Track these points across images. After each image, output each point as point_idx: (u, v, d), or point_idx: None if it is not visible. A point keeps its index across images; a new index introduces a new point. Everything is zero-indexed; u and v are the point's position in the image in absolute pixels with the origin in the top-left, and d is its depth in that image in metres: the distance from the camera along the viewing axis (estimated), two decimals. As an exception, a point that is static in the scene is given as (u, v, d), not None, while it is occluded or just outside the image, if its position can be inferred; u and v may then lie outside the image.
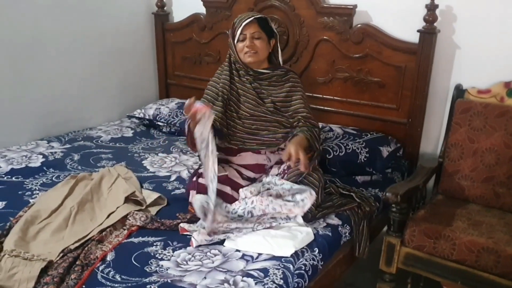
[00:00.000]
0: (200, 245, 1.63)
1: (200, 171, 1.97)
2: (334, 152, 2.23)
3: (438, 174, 2.28)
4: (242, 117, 1.98)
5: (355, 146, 2.26)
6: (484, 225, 1.91)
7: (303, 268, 1.56)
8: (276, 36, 2.01)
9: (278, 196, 1.80)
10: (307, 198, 1.75)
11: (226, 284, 1.42)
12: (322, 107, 2.62)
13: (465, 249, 1.79)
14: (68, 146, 2.58)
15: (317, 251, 1.66)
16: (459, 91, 2.26)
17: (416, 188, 2.00)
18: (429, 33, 2.24)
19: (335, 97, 2.60)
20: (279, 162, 1.99)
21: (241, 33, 1.91)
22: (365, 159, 2.23)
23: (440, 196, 2.23)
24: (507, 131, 2.08)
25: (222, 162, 2.01)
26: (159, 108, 2.95)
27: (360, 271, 2.31)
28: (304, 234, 1.70)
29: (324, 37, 2.53)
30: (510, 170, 2.07)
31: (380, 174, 2.29)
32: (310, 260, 1.61)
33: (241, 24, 1.91)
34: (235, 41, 1.94)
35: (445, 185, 2.22)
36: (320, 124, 2.47)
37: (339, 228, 1.83)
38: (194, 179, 1.94)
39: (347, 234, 1.86)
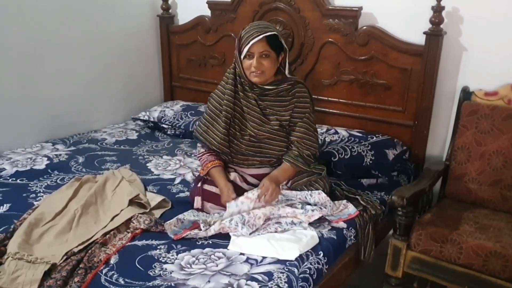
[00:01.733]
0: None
1: (206, 177, 1.96)
2: (340, 155, 2.21)
3: (444, 177, 2.25)
4: (245, 135, 1.92)
5: (360, 149, 2.24)
6: (492, 229, 1.89)
7: (308, 272, 1.55)
8: (286, 51, 1.89)
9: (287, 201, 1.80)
10: (317, 211, 1.78)
11: (230, 288, 1.41)
12: (327, 110, 2.61)
13: (472, 253, 1.76)
14: (72, 148, 2.58)
15: (322, 254, 1.64)
16: (466, 94, 2.24)
17: (422, 191, 1.98)
18: (435, 35, 2.22)
19: (340, 100, 2.59)
20: None
21: (248, 51, 1.79)
22: (370, 162, 2.21)
23: (446, 200, 2.20)
24: (514, 134, 2.06)
25: (227, 166, 2.00)
26: (164, 111, 2.95)
27: (365, 275, 2.28)
28: (309, 238, 1.69)
29: (329, 39, 2.52)
30: (517, 174, 2.05)
31: (385, 177, 2.27)
32: (315, 264, 1.59)
33: (248, 42, 1.77)
34: (241, 57, 1.84)
35: (451, 188, 2.20)
36: (325, 127, 2.48)
37: (344, 232, 1.82)
38: (199, 184, 1.93)
39: (352, 237, 1.84)
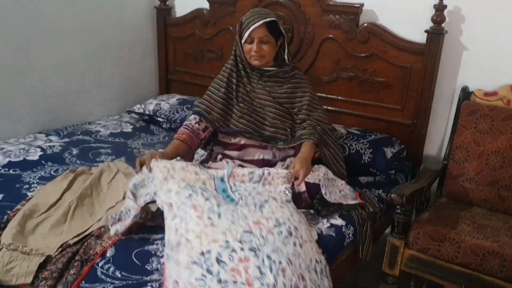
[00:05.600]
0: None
1: (205, 164, 1.95)
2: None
3: (441, 176, 2.25)
4: (246, 114, 1.96)
5: (359, 147, 2.23)
6: (489, 229, 1.89)
7: (307, 269, 1.53)
8: (285, 37, 1.98)
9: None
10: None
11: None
12: (326, 107, 2.56)
13: (470, 253, 1.76)
14: (66, 140, 2.53)
15: (320, 251, 1.62)
16: (466, 93, 2.24)
17: (421, 190, 1.98)
18: (436, 33, 2.21)
19: (339, 97, 2.57)
20: (284, 159, 1.96)
21: (248, 36, 1.87)
22: (369, 159, 2.20)
23: (443, 199, 2.21)
24: (513, 135, 2.06)
25: (226, 157, 1.98)
26: (159, 104, 2.91)
27: (362, 273, 2.28)
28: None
29: (330, 36, 2.50)
30: (515, 174, 2.05)
31: (383, 175, 2.26)
32: (314, 261, 1.57)
33: (249, 27, 1.86)
34: (242, 41, 1.91)
35: (449, 187, 2.20)
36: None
37: (343, 229, 1.80)
38: None
39: (350, 235, 1.83)
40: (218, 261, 1.28)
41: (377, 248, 2.06)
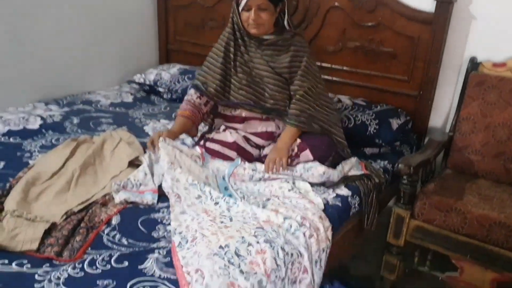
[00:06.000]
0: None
1: (208, 135, 1.93)
2: (343, 124, 2.17)
3: (447, 148, 2.23)
4: (245, 85, 1.91)
5: (364, 118, 2.20)
6: (495, 200, 1.88)
7: (314, 237, 1.52)
8: (284, 3, 1.88)
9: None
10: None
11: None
12: (330, 78, 2.55)
13: (477, 223, 1.76)
14: (67, 109, 2.48)
15: (327, 220, 1.61)
16: (474, 64, 2.20)
17: (427, 161, 1.96)
18: (445, 2, 2.15)
19: (344, 67, 2.53)
20: None
21: (246, 3, 1.79)
22: (374, 131, 2.17)
23: (448, 171, 2.19)
24: (521, 106, 2.03)
25: (230, 128, 1.95)
26: (160, 74, 2.86)
27: (366, 244, 2.28)
28: (315, 202, 1.66)
29: (336, 4, 2.44)
30: (522, 146, 2.03)
31: (388, 147, 2.24)
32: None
33: None
34: (240, 9, 1.84)
35: (454, 159, 2.18)
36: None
37: (349, 199, 1.79)
38: (201, 143, 1.89)
39: (356, 205, 1.82)
40: (238, 255, 1.31)
41: (381, 219, 2.05)
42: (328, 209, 1.67)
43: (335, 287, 1.94)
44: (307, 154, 1.84)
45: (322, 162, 1.82)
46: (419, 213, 1.86)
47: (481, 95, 2.12)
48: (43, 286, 1.19)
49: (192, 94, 1.96)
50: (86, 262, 1.29)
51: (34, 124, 2.23)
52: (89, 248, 1.36)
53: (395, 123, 2.23)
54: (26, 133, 2.12)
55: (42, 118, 2.31)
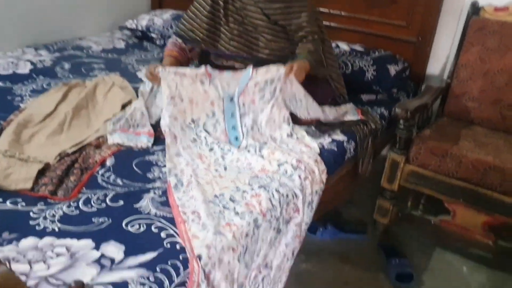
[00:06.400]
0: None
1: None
2: (341, 70, 2.13)
3: (444, 95, 2.21)
4: (236, 36, 1.82)
5: (362, 64, 2.17)
6: (490, 146, 1.88)
7: (310, 179, 1.52)
8: None
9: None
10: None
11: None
12: (328, 23, 2.45)
13: (471, 168, 1.76)
14: (57, 54, 2.42)
15: (323, 163, 1.61)
16: (475, 9, 2.15)
17: (424, 106, 1.95)
18: None
19: (342, 12, 2.46)
20: None
21: None
22: (372, 77, 2.14)
23: (445, 118, 2.18)
24: (521, 51, 2.00)
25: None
26: (153, 19, 2.78)
27: (360, 190, 2.30)
28: (312, 146, 1.65)
29: None
30: (519, 92, 2.01)
31: (385, 94, 2.22)
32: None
33: None
34: None
35: (451, 106, 2.17)
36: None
37: (345, 144, 1.78)
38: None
39: (351, 150, 1.81)
40: (233, 200, 1.31)
41: (376, 166, 2.06)
42: (323, 153, 1.67)
43: (329, 231, 1.99)
44: None
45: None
46: (414, 157, 1.86)
47: (481, 41, 2.08)
48: (38, 223, 1.19)
49: (177, 38, 1.91)
50: (81, 201, 1.29)
51: (24, 69, 2.18)
52: (84, 188, 1.34)
53: (393, 70, 2.19)
54: (16, 78, 2.07)
55: (32, 63, 2.26)
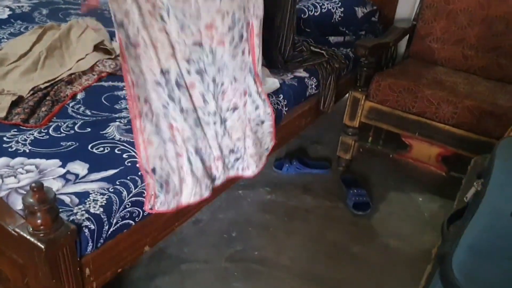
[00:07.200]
0: None
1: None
2: (309, 12, 2.19)
3: (410, 37, 2.29)
4: None
5: (330, 6, 2.23)
6: (448, 83, 1.98)
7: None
8: None
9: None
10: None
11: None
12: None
13: (426, 102, 1.87)
14: (35, 1, 2.48)
15: (281, 97, 1.72)
16: (442, -51, 2.19)
17: (385, 44, 2.03)
18: None
19: (314, -44, 2.49)
20: None
21: None
22: (339, 18, 2.21)
23: (410, 59, 2.26)
24: (483, -8, 2.06)
25: None
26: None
27: (326, 130, 2.42)
28: (270, 83, 1.73)
29: None
30: (480, 32, 2.09)
31: (353, 36, 2.29)
32: (275, 105, 1.67)
33: None
34: None
35: (415, 47, 2.25)
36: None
37: (306, 80, 1.88)
38: None
39: (313, 86, 1.91)
40: (178, 85, 1.27)
41: (341, 108, 2.16)
42: (283, 88, 1.76)
43: (294, 166, 2.11)
44: None
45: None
46: (374, 94, 1.96)
47: (446, -19, 2.14)
48: (11, 146, 1.30)
49: None
50: (51, 128, 1.40)
51: (3, 14, 2.24)
52: (54, 118, 1.46)
53: (360, 12, 2.26)
54: (-6, 22, 2.15)
55: (10, 9, 2.31)
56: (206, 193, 1.37)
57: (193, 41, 1.28)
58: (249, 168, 1.51)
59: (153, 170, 1.22)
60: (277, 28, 1.83)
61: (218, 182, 1.44)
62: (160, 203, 1.25)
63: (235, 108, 1.42)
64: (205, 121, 1.36)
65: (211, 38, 1.30)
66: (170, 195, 1.27)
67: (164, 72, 1.24)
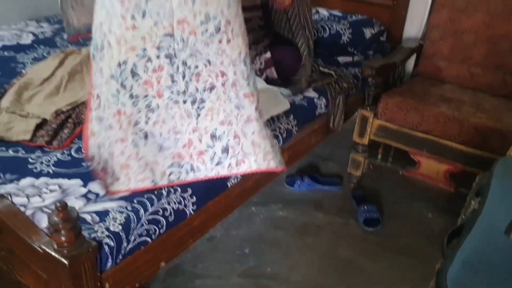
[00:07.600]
0: None
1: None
2: (319, 34, 2.27)
3: (418, 56, 2.34)
4: None
5: (339, 27, 2.30)
6: (454, 101, 2.02)
7: (278, 131, 1.69)
8: None
9: None
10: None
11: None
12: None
13: (433, 120, 1.91)
14: (57, 26, 2.60)
15: (291, 117, 1.78)
16: (447, -29, 2.25)
17: (393, 64, 2.08)
18: None
19: (322, -21, 2.58)
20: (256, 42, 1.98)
21: None
22: (347, 39, 2.28)
23: (417, 77, 2.32)
24: (488, 12, 2.11)
25: None
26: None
27: (337, 148, 2.47)
28: (282, 103, 1.80)
29: None
30: (486, 51, 2.14)
31: (361, 56, 2.35)
32: (285, 125, 1.74)
33: None
34: None
35: (423, 66, 2.30)
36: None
37: (315, 100, 1.94)
38: None
39: (322, 106, 1.97)
40: (133, 74, 1.25)
41: (351, 125, 2.21)
42: (294, 108, 1.83)
43: (305, 183, 2.16)
44: (272, 71, 1.95)
45: (286, 80, 1.92)
46: (382, 113, 2.01)
47: (451, 2, 2.19)
48: (36, 167, 1.39)
49: None
50: (73, 149, 1.49)
51: (27, 39, 2.37)
52: (76, 139, 1.55)
53: (368, 32, 2.32)
54: (19, 48, 2.27)
55: (34, 34, 2.44)
56: (163, 181, 1.33)
57: (164, 33, 1.25)
58: (244, 160, 1.40)
59: (92, 159, 1.31)
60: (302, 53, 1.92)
61: (199, 174, 1.38)
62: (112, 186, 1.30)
63: (212, 88, 1.34)
64: (174, 100, 1.31)
65: (183, 30, 1.26)
66: (109, 180, 1.31)
67: (120, 64, 1.24)
